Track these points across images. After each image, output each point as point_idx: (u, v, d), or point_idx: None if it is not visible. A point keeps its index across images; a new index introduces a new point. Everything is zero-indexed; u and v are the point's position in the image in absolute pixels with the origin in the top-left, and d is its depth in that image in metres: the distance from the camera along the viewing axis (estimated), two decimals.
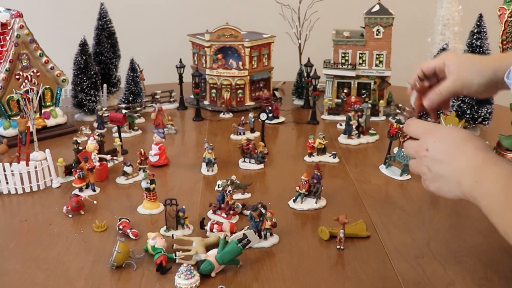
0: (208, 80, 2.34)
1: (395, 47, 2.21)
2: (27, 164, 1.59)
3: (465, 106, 1.92)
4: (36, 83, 2.00)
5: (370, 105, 2.04)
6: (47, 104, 2.09)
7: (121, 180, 1.67)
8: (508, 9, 1.65)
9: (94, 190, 1.59)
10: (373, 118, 2.16)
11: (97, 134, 1.79)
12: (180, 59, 2.36)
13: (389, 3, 2.20)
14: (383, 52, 2.20)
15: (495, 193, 0.91)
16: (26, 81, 1.98)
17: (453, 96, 1.21)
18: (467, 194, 0.96)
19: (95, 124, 2.08)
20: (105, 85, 2.31)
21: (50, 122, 2.07)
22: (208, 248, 1.23)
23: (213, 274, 1.16)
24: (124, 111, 2.08)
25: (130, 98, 2.21)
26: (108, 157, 1.75)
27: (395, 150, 1.75)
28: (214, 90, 2.35)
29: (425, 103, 1.21)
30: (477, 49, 1.89)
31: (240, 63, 2.31)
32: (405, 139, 1.79)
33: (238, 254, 1.18)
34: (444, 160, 0.99)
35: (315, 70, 2.26)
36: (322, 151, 1.82)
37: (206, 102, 2.38)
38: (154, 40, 3.22)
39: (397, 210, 1.48)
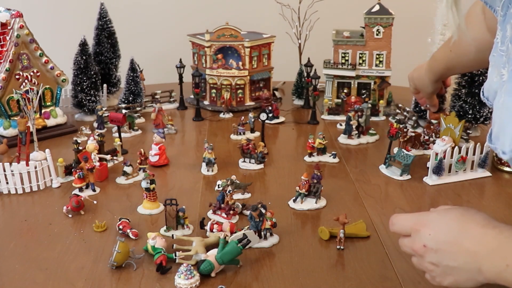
0: (208, 80, 2.34)
1: (395, 47, 2.21)
2: (27, 164, 1.59)
3: (467, 106, 1.92)
4: (36, 83, 2.00)
5: (370, 105, 2.04)
6: (47, 104, 2.09)
7: (121, 180, 1.67)
8: None
9: (94, 190, 1.59)
10: (373, 118, 2.16)
11: (97, 134, 1.79)
12: (180, 59, 2.36)
13: (389, 3, 2.20)
14: (383, 52, 2.20)
15: None
16: (26, 81, 1.98)
17: (428, 96, 1.79)
18: (496, 279, 0.86)
19: (95, 124, 2.08)
20: (105, 85, 2.31)
21: (50, 122, 2.07)
22: (208, 248, 1.23)
23: (213, 274, 1.16)
24: (124, 111, 2.08)
25: (130, 98, 2.21)
26: (108, 157, 1.76)
27: (395, 150, 1.75)
28: (214, 90, 2.35)
29: (420, 104, 1.90)
30: None
31: (240, 63, 2.31)
32: (405, 139, 1.79)
33: (238, 254, 1.18)
34: (451, 251, 0.90)
35: (315, 70, 2.26)
36: (322, 151, 1.82)
37: (206, 102, 2.38)
38: (154, 40, 3.22)
39: (397, 210, 1.48)
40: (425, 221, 0.96)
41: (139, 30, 3.15)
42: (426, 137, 1.84)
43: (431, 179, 1.64)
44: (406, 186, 1.62)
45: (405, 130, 1.82)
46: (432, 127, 1.87)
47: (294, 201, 1.51)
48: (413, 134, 1.85)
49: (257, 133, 2.04)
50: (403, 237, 1.01)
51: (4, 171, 1.57)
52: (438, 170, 1.62)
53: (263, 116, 1.89)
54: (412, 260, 1.01)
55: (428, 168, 1.64)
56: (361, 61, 2.23)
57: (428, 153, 1.76)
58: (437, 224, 0.94)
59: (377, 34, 2.19)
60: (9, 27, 1.95)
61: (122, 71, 2.38)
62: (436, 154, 1.65)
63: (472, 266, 0.88)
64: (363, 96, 2.19)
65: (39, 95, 1.85)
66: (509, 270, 0.84)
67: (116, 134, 1.97)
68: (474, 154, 1.68)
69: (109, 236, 1.35)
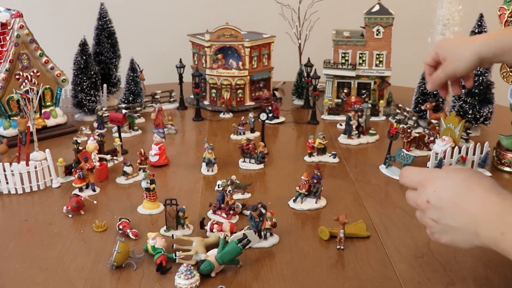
0: (208, 80, 2.34)
1: (395, 47, 2.21)
2: (27, 164, 1.59)
3: (467, 106, 1.92)
4: (36, 83, 2.00)
5: (370, 105, 2.04)
6: (47, 104, 2.09)
7: (121, 180, 1.67)
8: (508, 9, 1.65)
9: (94, 190, 1.59)
10: (373, 118, 2.16)
11: (97, 134, 1.79)
12: (180, 59, 2.36)
13: (389, 3, 2.20)
14: (383, 52, 2.20)
15: None
16: (26, 81, 1.98)
17: (447, 79, 1.29)
18: (491, 245, 0.89)
19: (95, 124, 2.08)
20: (105, 85, 2.31)
21: (50, 122, 2.07)
22: (208, 248, 1.23)
23: (213, 274, 1.16)
24: (124, 111, 2.08)
25: (130, 98, 2.21)
26: (108, 157, 1.76)
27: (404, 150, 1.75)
28: (214, 90, 2.35)
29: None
30: None
31: (240, 63, 2.30)
32: (409, 139, 1.79)
33: (238, 254, 1.18)
34: (452, 210, 0.92)
35: (315, 70, 2.26)
36: (322, 151, 1.82)
37: (206, 102, 2.38)
38: (154, 40, 3.22)
39: (397, 210, 1.48)
40: (432, 177, 0.98)
41: (139, 30, 3.15)
42: (432, 138, 1.83)
43: None
44: (406, 186, 1.62)
45: (408, 130, 1.82)
46: (437, 128, 1.86)
47: (294, 201, 1.51)
48: (417, 135, 1.85)
49: (257, 133, 2.04)
50: (410, 190, 1.03)
51: (4, 171, 1.57)
52: None
53: (263, 116, 1.89)
54: (416, 214, 1.04)
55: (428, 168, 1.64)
56: (361, 61, 2.23)
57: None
58: (443, 182, 0.96)
59: (377, 34, 2.19)
60: (9, 27, 1.95)
61: (122, 71, 2.38)
62: (436, 154, 1.65)
63: (470, 229, 0.90)
64: (363, 96, 2.19)
65: (39, 95, 1.85)
66: (503, 238, 0.85)
67: (116, 134, 1.96)
68: (474, 154, 1.68)
69: (109, 236, 1.35)
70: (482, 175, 0.95)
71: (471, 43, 1.21)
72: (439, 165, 1.61)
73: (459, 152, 1.65)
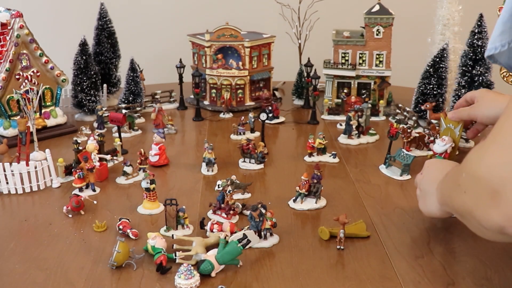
0: (208, 80, 2.34)
1: (395, 47, 2.21)
2: (27, 164, 1.59)
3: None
4: (36, 83, 2.00)
5: (370, 105, 2.04)
6: (47, 104, 2.09)
7: (121, 180, 1.67)
8: None
9: (94, 190, 1.59)
10: (373, 118, 2.16)
11: (97, 134, 1.79)
12: (180, 59, 2.36)
13: (389, 3, 2.20)
14: (383, 52, 2.20)
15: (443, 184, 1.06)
16: (26, 81, 1.98)
17: (470, 119, 1.56)
18: (441, 199, 1.09)
19: (95, 124, 2.08)
20: (105, 85, 2.31)
21: (50, 122, 2.07)
22: (208, 248, 1.23)
23: (213, 274, 1.16)
24: (124, 111, 2.08)
25: (130, 98, 2.21)
26: (108, 157, 1.75)
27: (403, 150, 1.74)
28: (214, 90, 2.35)
29: (449, 114, 1.60)
30: (478, 49, 1.89)
31: (240, 63, 2.31)
32: (409, 139, 1.79)
33: (238, 254, 1.18)
34: (429, 178, 1.18)
35: (315, 70, 2.26)
36: (322, 151, 1.82)
37: (206, 102, 2.38)
38: (154, 40, 3.22)
39: (397, 210, 1.48)
40: (435, 162, 1.29)
41: (139, 30, 3.15)
42: (432, 138, 1.83)
43: None
44: (406, 186, 1.62)
45: (408, 130, 1.82)
46: (437, 128, 1.86)
47: (294, 201, 1.51)
48: (417, 135, 1.85)
49: (257, 133, 2.04)
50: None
51: (4, 171, 1.57)
52: None
53: (263, 116, 1.89)
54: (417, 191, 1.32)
55: None
56: (361, 61, 2.23)
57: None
58: (437, 164, 1.24)
59: (377, 34, 2.19)
60: (9, 27, 1.95)
61: (122, 71, 2.38)
62: (435, 154, 1.65)
63: (432, 188, 1.13)
64: (363, 96, 2.19)
65: (39, 95, 1.85)
66: (444, 180, 1.05)
67: (116, 134, 1.96)
68: None
69: (109, 236, 1.35)
70: None
71: (503, 102, 1.38)
72: None
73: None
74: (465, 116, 1.53)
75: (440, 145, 1.66)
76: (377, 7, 2.17)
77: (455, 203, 0.94)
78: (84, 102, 2.17)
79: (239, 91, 2.33)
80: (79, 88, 2.16)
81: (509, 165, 0.78)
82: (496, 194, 0.78)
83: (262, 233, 1.30)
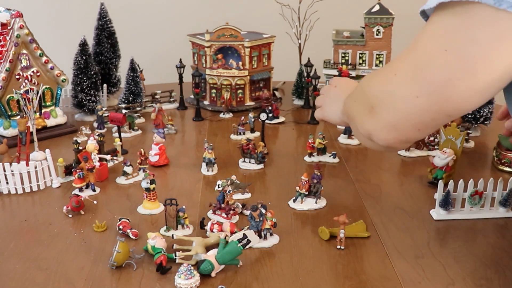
0: (208, 80, 2.34)
1: (395, 47, 2.21)
2: (27, 164, 1.59)
3: None
4: (36, 83, 2.00)
5: None
6: (47, 104, 2.09)
7: (121, 180, 1.67)
8: None
9: (94, 190, 1.59)
10: None
11: (97, 134, 1.79)
12: (180, 59, 2.36)
13: (389, 3, 2.20)
14: (383, 52, 2.20)
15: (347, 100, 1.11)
16: (26, 81, 1.98)
17: None
18: (343, 111, 1.15)
19: (95, 124, 2.08)
20: (105, 85, 2.30)
21: (50, 122, 2.07)
22: (208, 248, 1.23)
23: (213, 274, 1.16)
24: (124, 111, 2.08)
25: (130, 98, 2.21)
26: (108, 157, 1.75)
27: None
28: (214, 90, 2.35)
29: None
30: None
31: (240, 63, 2.30)
32: None
33: (238, 254, 1.18)
34: (343, 90, 1.20)
35: (315, 70, 2.26)
36: (322, 151, 1.82)
37: (206, 102, 2.38)
38: (154, 40, 3.22)
39: (397, 210, 1.48)
40: (350, 81, 1.32)
41: (139, 30, 3.15)
42: (432, 138, 1.83)
43: (437, 214, 1.43)
44: (406, 186, 1.62)
45: None
46: (436, 140, 1.83)
47: (294, 201, 1.51)
48: None
49: (257, 133, 2.04)
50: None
51: (4, 171, 1.57)
52: (445, 204, 1.41)
53: (263, 116, 1.89)
54: (316, 99, 1.38)
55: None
56: (361, 61, 2.23)
57: (432, 154, 1.73)
58: (352, 82, 1.29)
59: (377, 34, 2.19)
60: (9, 27, 1.95)
61: (122, 71, 2.38)
62: (435, 167, 1.58)
63: (341, 99, 1.17)
64: None
65: (39, 95, 1.85)
66: (351, 93, 1.10)
67: (116, 134, 1.96)
68: (495, 189, 1.43)
69: (109, 236, 1.35)
70: None
71: None
72: (446, 197, 1.41)
73: (475, 185, 1.41)
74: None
75: (441, 158, 1.57)
76: (377, 7, 2.17)
77: (348, 110, 1.09)
78: (84, 102, 2.17)
79: (239, 91, 2.33)
80: (79, 88, 2.16)
81: (385, 87, 0.91)
82: (372, 108, 0.93)
83: (262, 233, 1.31)
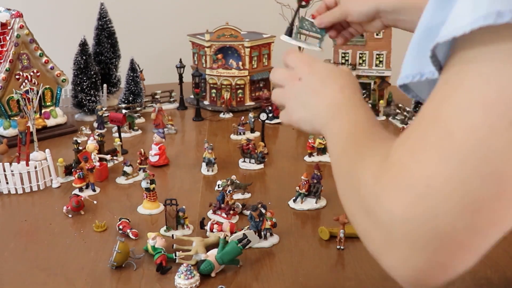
0: (208, 80, 2.34)
1: (395, 47, 2.21)
2: (27, 164, 1.59)
3: None
4: (36, 83, 2.00)
5: (370, 105, 2.04)
6: (47, 104, 2.09)
7: (121, 180, 1.67)
8: None
9: (94, 190, 1.59)
10: None
11: (97, 134, 1.80)
12: (180, 59, 2.36)
13: None
14: (383, 52, 2.20)
15: (341, 138, 0.80)
16: (26, 81, 1.98)
17: (343, 19, 1.23)
18: (321, 130, 0.88)
19: (95, 124, 2.08)
20: (105, 85, 2.31)
21: (50, 122, 2.07)
22: (208, 248, 1.23)
23: (213, 274, 1.16)
24: (124, 111, 2.08)
25: (130, 98, 2.21)
26: (108, 157, 1.76)
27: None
28: (214, 90, 2.35)
29: (316, 20, 1.30)
30: None
31: (240, 63, 2.31)
32: None
33: (238, 254, 1.18)
34: (314, 90, 0.91)
35: None
36: (322, 151, 1.82)
37: (206, 102, 2.38)
38: (154, 40, 3.22)
39: None
40: (311, 62, 0.97)
41: (139, 30, 3.15)
42: None
43: None
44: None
45: None
46: None
47: (294, 201, 1.51)
48: None
49: (257, 133, 2.04)
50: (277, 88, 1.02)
51: (4, 171, 1.57)
52: None
53: (263, 116, 1.89)
54: (274, 92, 1.02)
55: None
56: (361, 61, 2.24)
57: None
58: (319, 68, 0.95)
59: (377, 34, 2.19)
60: (9, 27, 1.95)
61: (122, 71, 2.38)
62: None
63: (315, 111, 0.90)
64: (363, 96, 2.19)
65: (39, 95, 1.85)
66: (329, 125, 0.85)
67: (116, 134, 1.96)
68: None
69: (109, 236, 1.35)
70: (355, 78, 0.95)
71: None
72: None
73: None
74: (337, 16, 1.24)
75: None
76: None
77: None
78: (84, 102, 2.17)
79: (239, 91, 2.33)
80: (79, 88, 2.16)
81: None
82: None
83: (262, 233, 1.30)
